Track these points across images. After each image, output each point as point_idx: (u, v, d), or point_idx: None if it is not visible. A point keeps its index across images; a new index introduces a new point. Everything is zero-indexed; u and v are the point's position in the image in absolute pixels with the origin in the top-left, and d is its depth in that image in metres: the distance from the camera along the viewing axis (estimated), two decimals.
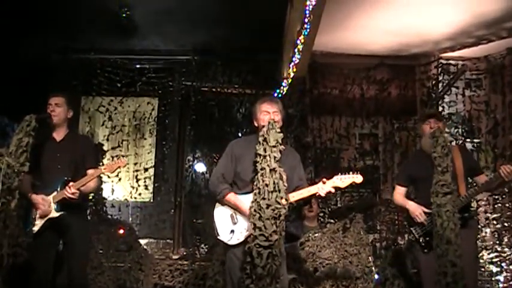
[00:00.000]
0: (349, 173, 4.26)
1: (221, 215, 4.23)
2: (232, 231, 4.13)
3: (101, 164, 7.29)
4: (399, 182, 5.28)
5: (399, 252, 6.07)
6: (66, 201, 4.57)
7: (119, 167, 4.84)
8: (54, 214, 4.61)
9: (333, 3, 6.37)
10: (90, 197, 6.78)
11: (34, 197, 4.62)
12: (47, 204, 4.60)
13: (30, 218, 4.63)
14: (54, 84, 8.08)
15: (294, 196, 4.16)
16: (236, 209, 4.17)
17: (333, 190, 4.17)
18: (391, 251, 6.33)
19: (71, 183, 4.57)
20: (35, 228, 4.61)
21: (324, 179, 4.20)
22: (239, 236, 4.09)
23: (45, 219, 4.61)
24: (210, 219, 4.39)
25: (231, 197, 4.20)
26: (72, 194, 4.52)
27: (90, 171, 4.81)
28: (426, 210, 4.78)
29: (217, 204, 4.30)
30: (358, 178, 4.24)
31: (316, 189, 4.18)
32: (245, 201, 4.06)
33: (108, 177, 8.31)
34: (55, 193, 4.63)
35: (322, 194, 4.17)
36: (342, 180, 4.22)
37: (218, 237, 4.20)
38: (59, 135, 4.89)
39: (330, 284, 5.47)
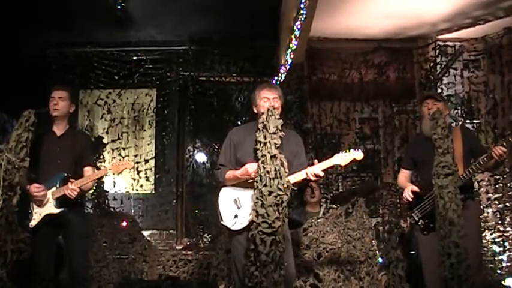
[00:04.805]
0: (349, 151, 4.25)
1: (225, 200, 4.24)
2: (236, 216, 4.13)
3: (101, 157, 7.32)
4: (403, 165, 5.28)
5: (402, 235, 6.08)
6: (65, 198, 4.57)
7: (125, 168, 4.88)
8: (54, 210, 4.59)
9: None
10: (92, 191, 6.80)
11: (30, 189, 4.55)
12: (43, 192, 4.56)
13: (26, 212, 4.58)
14: (51, 78, 8.07)
15: (289, 180, 4.05)
16: (238, 180, 4.17)
17: (321, 174, 4.12)
18: (394, 234, 6.34)
19: (73, 181, 4.58)
20: (33, 223, 4.58)
21: (315, 161, 4.19)
22: (242, 221, 4.09)
23: (43, 214, 4.59)
24: (213, 207, 4.37)
25: (230, 172, 4.23)
26: (72, 191, 4.53)
27: (87, 169, 4.83)
28: (416, 189, 4.80)
29: (222, 190, 4.30)
30: (358, 155, 4.24)
31: (307, 171, 4.14)
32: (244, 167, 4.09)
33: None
34: (54, 189, 4.62)
35: (311, 176, 4.12)
36: (342, 158, 4.22)
37: (222, 222, 4.19)
38: (59, 129, 4.85)
39: (334, 269, 5.48)
